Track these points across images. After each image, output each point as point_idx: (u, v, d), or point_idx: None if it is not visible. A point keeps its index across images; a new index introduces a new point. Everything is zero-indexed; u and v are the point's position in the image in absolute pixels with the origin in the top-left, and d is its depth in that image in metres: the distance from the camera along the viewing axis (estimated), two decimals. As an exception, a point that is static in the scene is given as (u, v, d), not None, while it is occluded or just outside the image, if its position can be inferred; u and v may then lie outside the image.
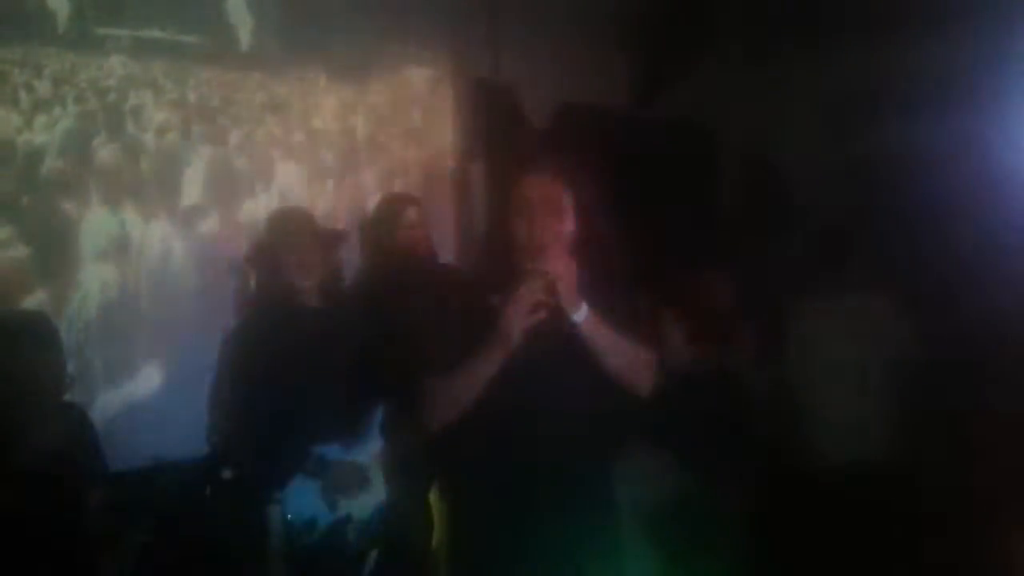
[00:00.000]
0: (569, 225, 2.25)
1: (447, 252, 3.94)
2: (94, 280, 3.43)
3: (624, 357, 2.24)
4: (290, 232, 3.05)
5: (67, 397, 2.54)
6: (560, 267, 2.15)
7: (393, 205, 3.56)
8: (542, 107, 4.31)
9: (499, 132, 4.28)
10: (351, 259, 3.49)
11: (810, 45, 4.05)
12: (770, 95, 4.20)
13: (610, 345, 2.21)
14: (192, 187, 3.70)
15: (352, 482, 2.89)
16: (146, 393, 3.44)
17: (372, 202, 3.65)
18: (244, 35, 3.93)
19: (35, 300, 3.27)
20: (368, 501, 2.89)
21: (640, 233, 2.54)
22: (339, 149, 4.13)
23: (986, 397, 3.08)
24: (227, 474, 2.69)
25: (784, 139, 4.22)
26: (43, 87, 3.49)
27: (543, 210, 2.21)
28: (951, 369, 3.09)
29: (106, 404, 3.28)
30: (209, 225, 3.71)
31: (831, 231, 3.43)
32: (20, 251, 3.30)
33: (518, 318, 2.15)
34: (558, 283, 2.14)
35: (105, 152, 3.55)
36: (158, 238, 3.60)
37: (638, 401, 2.30)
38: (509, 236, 2.23)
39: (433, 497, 3.08)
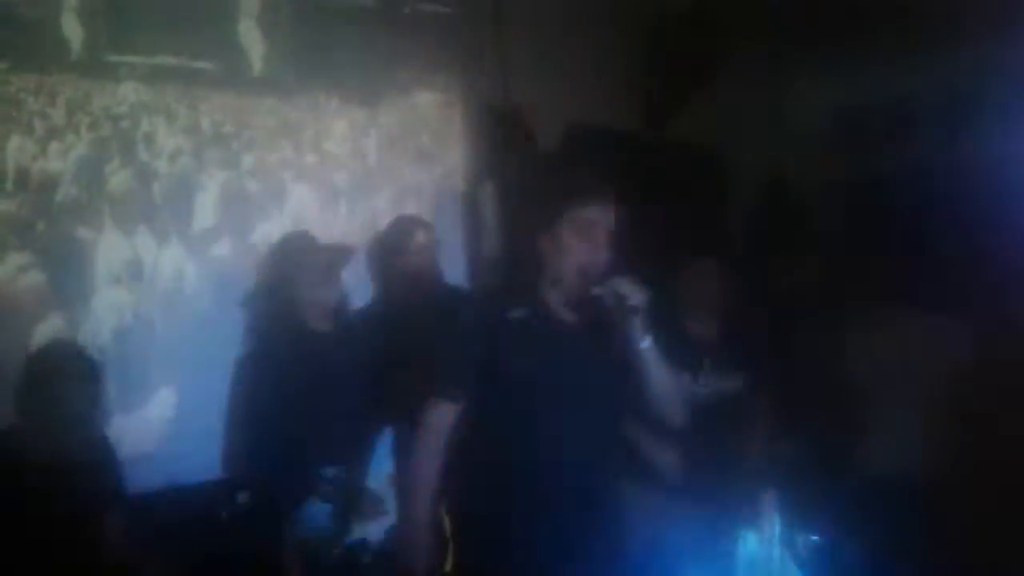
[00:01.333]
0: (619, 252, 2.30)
1: (457, 274, 3.96)
2: (108, 305, 3.46)
3: (671, 388, 2.33)
4: (298, 256, 3.08)
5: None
6: (637, 293, 2.21)
7: (403, 228, 3.57)
8: (551, 130, 4.34)
9: (509, 155, 4.30)
10: (361, 282, 3.52)
11: (820, 61, 4.08)
12: (781, 113, 4.22)
13: (663, 376, 2.29)
14: (205, 211, 3.73)
15: (364, 505, 2.90)
16: (160, 417, 3.46)
17: (384, 224, 3.67)
18: (256, 60, 3.97)
19: (50, 325, 3.30)
20: (381, 524, 2.90)
21: (652, 257, 2.57)
22: (351, 172, 4.15)
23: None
24: (242, 498, 2.70)
25: (798, 157, 4.24)
26: (57, 114, 3.53)
27: (607, 235, 2.28)
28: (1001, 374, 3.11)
29: (120, 429, 3.29)
30: (222, 249, 3.74)
31: (848, 246, 3.46)
32: (36, 277, 3.33)
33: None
34: (636, 308, 2.21)
35: (118, 178, 3.58)
36: (171, 262, 3.63)
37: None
38: (561, 257, 2.25)
39: (445, 519, 3.08)
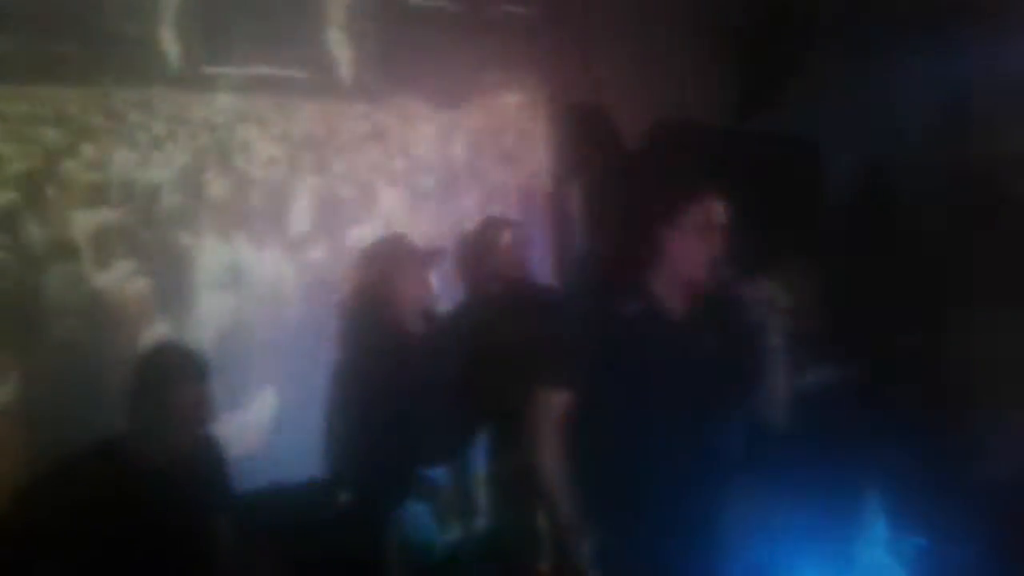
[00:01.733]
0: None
1: (545, 274, 3.98)
2: (211, 309, 3.58)
3: (786, 384, 2.33)
4: (391, 258, 3.14)
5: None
6: (783, 294, 2.30)
7: (491, 228, 3.61)
8: (637, 128, 4.32)
9: (594, 154, 4.30)
10: (450, 283, 3.57)
11: (915, 46, 3.98)
12: (878, 106, 4.13)
13: (786, 377, 2.31)
14: (299, 216, 3.83)
15: (462, 506, 2.94)
16: (262, 419, 3.57)
17: (472, 225, 3.71)
18: (345, 68, 4.06)
19: (156, 330, 3.43)
20: (478, 524, 2.94)
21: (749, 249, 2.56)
22: (438, 174, 4.21)
23: None
24: (344, 498, 2.77)
25: (893, 145, 4.14)
26: (158, 126, 3.66)
27: (724, 232, 2.31)
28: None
29: (224, 430, 3.41)
30: (317, 252, 3.83)
31: (948, 236, 3.37)
32: (142, 283, 3.47)
33: None
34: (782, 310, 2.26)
35: (217, 186, 3.70)
36: (269, 267, 3.73)
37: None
38: (679, 254, 2.27)
39: (541, 519, 3.11)
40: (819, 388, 3.08)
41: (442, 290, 3.42)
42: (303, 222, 3.83)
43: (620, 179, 3.96)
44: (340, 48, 4.06)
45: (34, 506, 2.45)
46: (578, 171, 4.32)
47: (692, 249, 2.30)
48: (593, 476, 2.27)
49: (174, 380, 2.49)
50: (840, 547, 2.84)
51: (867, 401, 3.06)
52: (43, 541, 2.37)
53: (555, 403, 2.30)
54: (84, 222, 3.40)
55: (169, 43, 3.70)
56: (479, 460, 3.10)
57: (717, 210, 2.33)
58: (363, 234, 3.77)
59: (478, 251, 3.59)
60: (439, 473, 2.96)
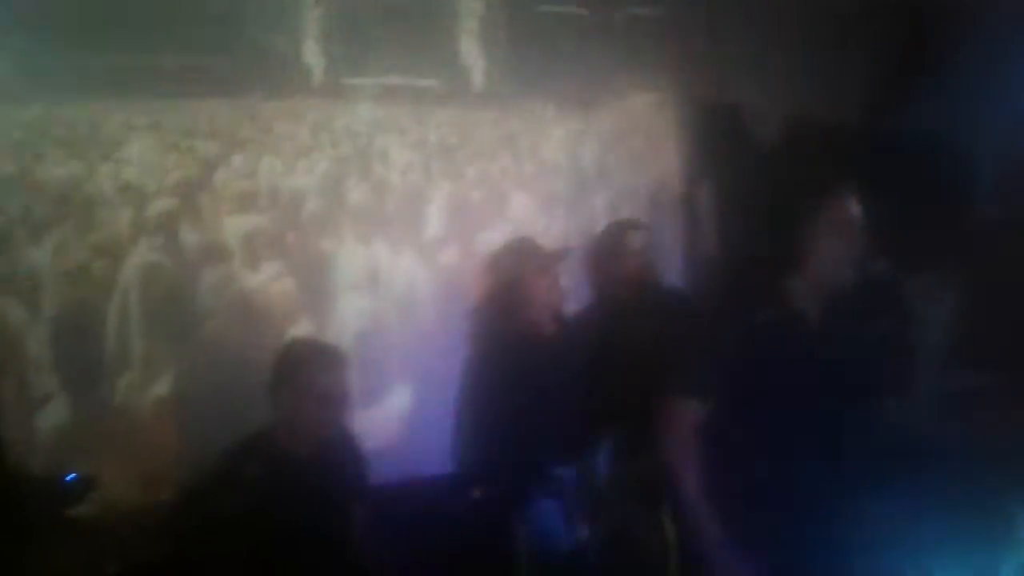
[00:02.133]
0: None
1: (674, 276, 3.97)
2: (350, 309, 3.74)
3: (930, 384, 2.34)
4: (521, 260, 3.20)
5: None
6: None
7: (619, 230, 3.63)
8: (767, 127, 4.25)
9: (725, 154, 4.26)
10: (579, 285, 3.61)
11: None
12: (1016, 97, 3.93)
13: (929, 371, 2.29)
14: (433, 221, 3.95)
15: (590, 505, 2.97)
16: (396, 414, 3.70)
17: (600, 228, 3.74)
18: (477, 75, 4.16)
19: (299, 328, 3.61)
20: (606, 524, 2.96)
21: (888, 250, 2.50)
22: (568, 178, 4.26)
23: None
24: (476, 493, 2.84)
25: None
26: (303, 135, 3.86)
27: (859, 231, 2.28)
28: None
29: (360, 425, 3.56)
30: (449, 256, 3.95)
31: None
32: (287, 284, 3.66)
33: None
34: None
35: (357, 192, 3.86)
36: (404, 269, 3.87)
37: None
38: (817, 254, 2.26)
39: (667, 523, 3.11)
40: (964, 392, 2.96)
41: (571, 292, 3.46)
42: (437, 226, 3.95)
43: (752, 180, 3.90)
44: (473, 57, 4.17)
45: (200, 496, 2.61)
46: (709, 172, 4.29)
47: (830, 248, 2.25)
48: (729, 484, 2.26)
49: (312, 369, 2.60)
50: (985, 556, 2.73)
51: (1013, 406, 2.92)
52: (208, 529, 2.52)
53: (689, 412, 2.29)
54: (235, 227, 3.62)
55: (313, 56, 3.89)
56: (607, 460, 3.12)
57: (853, 207, 2.28)
58: (493, 238, 3.86)
59: (606, 253, 3.61)
60: (568, 471, 3.00)
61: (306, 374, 2.59)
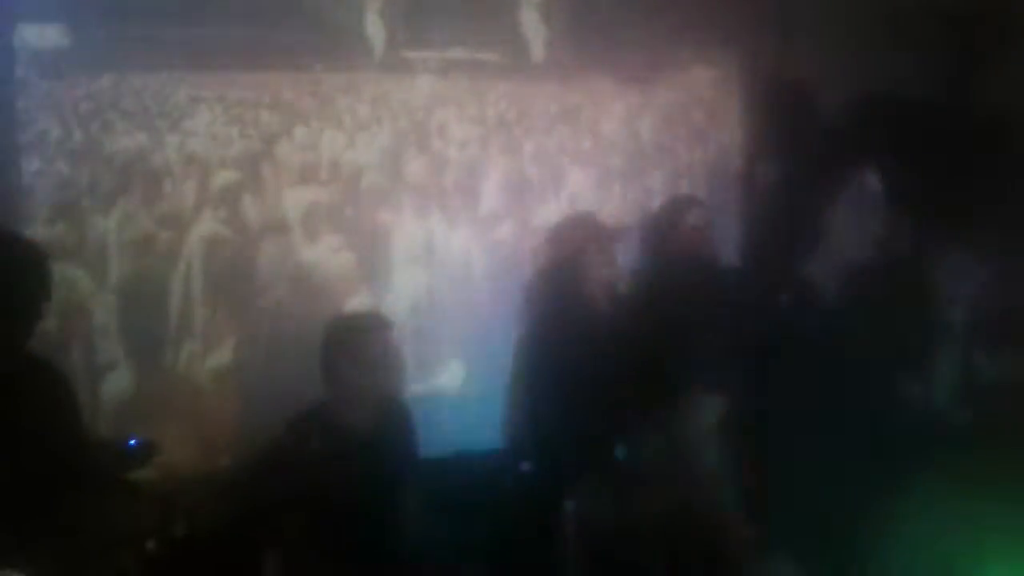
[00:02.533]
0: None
1: (731, 254, 3.92)
2: (406, 283, 3.78)
3: (961, 365, 2.26)
4: (578, 236, 3.20)
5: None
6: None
7: (677, 206, 3.60)
8: (834, 103, 4.15)
9: (788, 131, 4.18)
10: (636, 261, 3.59)
11: None
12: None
13: (960, 351, 2.24)
14: (490, 196, 3.96)
15: (641, 484, 2.97)
16: (450, 388, 3.74)
17: (657, 205, 3.71)
18: (537, 48, 4.13)
19: (358, 301, 3.66)
20: (657, 503, 2.95)
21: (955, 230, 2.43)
22: (626, 153, 4.22)
23: None
24: (525, 467, 2.87)
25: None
26: (363, 109, 3.88)
27: (883, 207, 2.23)
28: None
29: (414, 398, 3.61)
30: (505, 231, 3.96)
31: None
32: (346, 257, 3.71)
33: None
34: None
35: (415, 166, 3.88)
36: (460, 244, 3.89)
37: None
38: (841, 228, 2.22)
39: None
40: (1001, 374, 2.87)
41: (629, 268, 3.46)
42: (493, 201, 3.95)
43: (811, 158, 3.83)
44: (533, 29, 4.13)
45: (261, 468, 2.69)
46: (770, 149, 4.21)
47: (851, 226, 2.18)
48: (751, 472, 2.24)
49: (365, 340, 2.65)
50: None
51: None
52: (267, 499, 2.60)
53: (706, 407, 2.26)
54: (296, 199, 3.67)
55: (374, 29, 3.90)
56: (657, 439, 3.11)
57: (874, 183, 2.20)
58: (550, 213, 3.86)
59: (663, 230, 3.59)
60: (619, 448, 3.00)
61: (359, 345, 2.64)
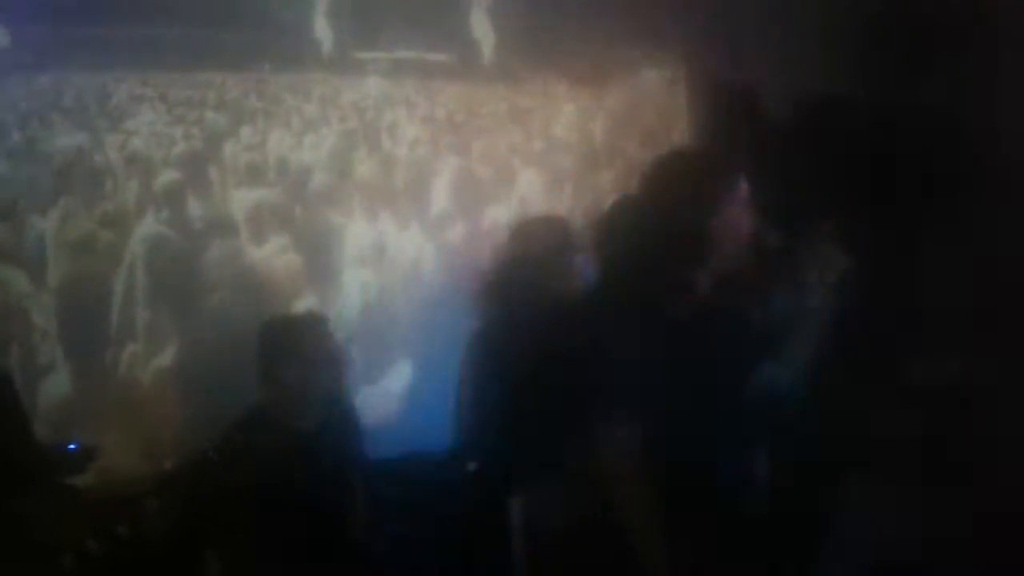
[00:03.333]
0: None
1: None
2: (355, 284, 3.74)
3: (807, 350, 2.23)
4: (536, 236, 3.18)
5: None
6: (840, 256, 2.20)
7: (626, 208, 3.60)
8: (783, 104, 4.18)
9: (737, 131, 4.20)
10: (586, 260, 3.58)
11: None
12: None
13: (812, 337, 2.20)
14: (440, 196, 3.94)
15: (592, 486, 2.95)
16: (399, 390, 3.70)
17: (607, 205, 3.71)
18: (487, 50, 4.12)
19: (305, 302, 3.61)
20: (607, 506, 2.93)
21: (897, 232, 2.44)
22: (577, 154, 4.23)
23: None
24: (471, 467, 2.83)
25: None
26: (311, 109, 3.85)
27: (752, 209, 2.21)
28: None
29: (364, 400, 3.56)
30: (456, 232, 3.93)
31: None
32: (293, 258, 3.66)
33: None
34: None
35: (364, 167, 3.85)
36: (411, 245, 3.86)
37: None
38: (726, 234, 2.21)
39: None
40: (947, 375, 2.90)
41: (582, 270, 3.45)
42: (443, 202, 3.93)
43: (761, 162, 3.85)
44: (483, 30, 4.13)
45: (201, 468, 2.63)
46: (719, 148, 4.23)
47: (733, 231, 2.17)
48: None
49: (308, 340, 2.61)
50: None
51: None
52: (209, 501, 2.54)
53: (623, 439, 2.23)
54: (242, 200, 3.62)
55: (322, 29, 3.87)
56: (607, 443, 3.09)
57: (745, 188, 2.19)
58: (500, 214, 3.85)
59: (612, 232, 3.59)
60: (568, 451, 2.98)
61: (301, 345, 2.60)
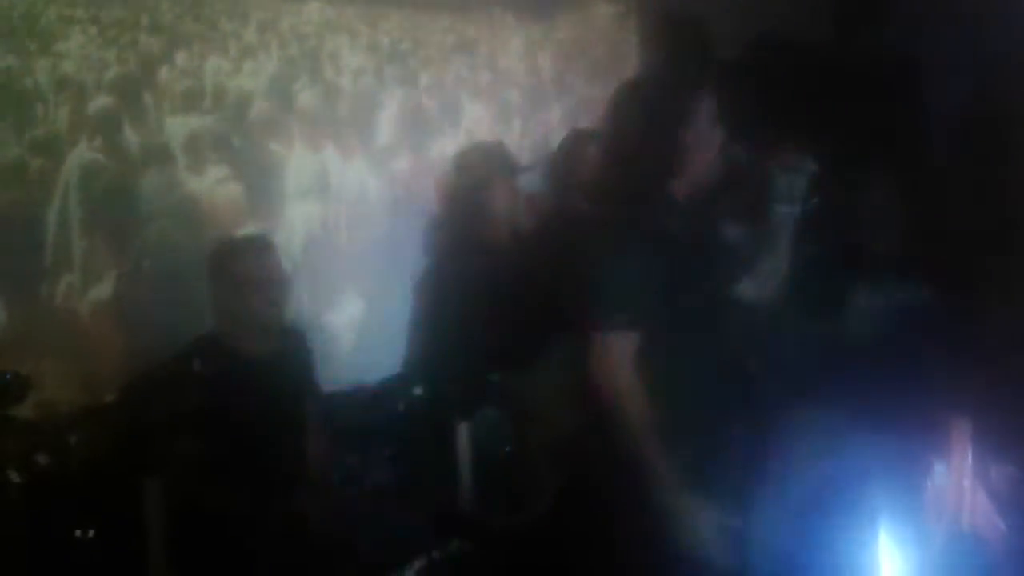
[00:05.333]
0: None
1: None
2: (299, 216, 3.66)
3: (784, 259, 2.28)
4: (483, 167, 3.13)
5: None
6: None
7: (578, 140, 3.57)
8: (732, 40, 4.16)
9: (687, 67, 4.17)
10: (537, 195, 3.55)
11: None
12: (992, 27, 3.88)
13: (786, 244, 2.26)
14: (385, 128, 3.85)
15: (538, 414, 2.95)
16: (347, 323, 3.65)
17: (558, 139, 3.67)
18: (434, -24, 4.03)
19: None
20: (552, 432, 2.95)
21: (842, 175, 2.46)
22: (525, 88, 4.17)
23: None
24: (418, 391, 2.82)
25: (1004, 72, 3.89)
26: (249, 35, 3.71)
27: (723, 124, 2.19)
28: None
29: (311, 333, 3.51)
30: (401, 164, 3.86)
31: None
32: (233, 188, 3.56)
33: None
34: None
35: (306, 95, 3.75)
36: (355, 177, 3.78)
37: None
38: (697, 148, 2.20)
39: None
40: (891, 303, 2.96)
41: (531, 201, 3.42)
42: (388, 134, 3.86)
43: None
44: (429, -44, 4.03)
45: (145, 395, 2.56)
46: (668, 85, 4.20)
47: (705, 144, 2.17)
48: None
49: (243, 258, 2.54)
50: (922, 475, 2.76)
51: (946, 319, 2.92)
52: (153, 428, 2.48)
53: (619, 335, 2.22)
54: (178, 128, 3.50)
55: (263, -50, 3.73)
56: (554, 371, 3.10)
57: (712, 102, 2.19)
58: (447, 147, 3.78)
59: (564, 164, 3.56)
60: (514, 381, 2.98)
61: (238, 263, 2.54)
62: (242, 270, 2.53)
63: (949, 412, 2.76)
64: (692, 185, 2.20)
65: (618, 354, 2.18)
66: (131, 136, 3.40)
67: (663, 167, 2.17)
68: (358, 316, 3.65)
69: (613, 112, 2.34)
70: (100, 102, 3.37)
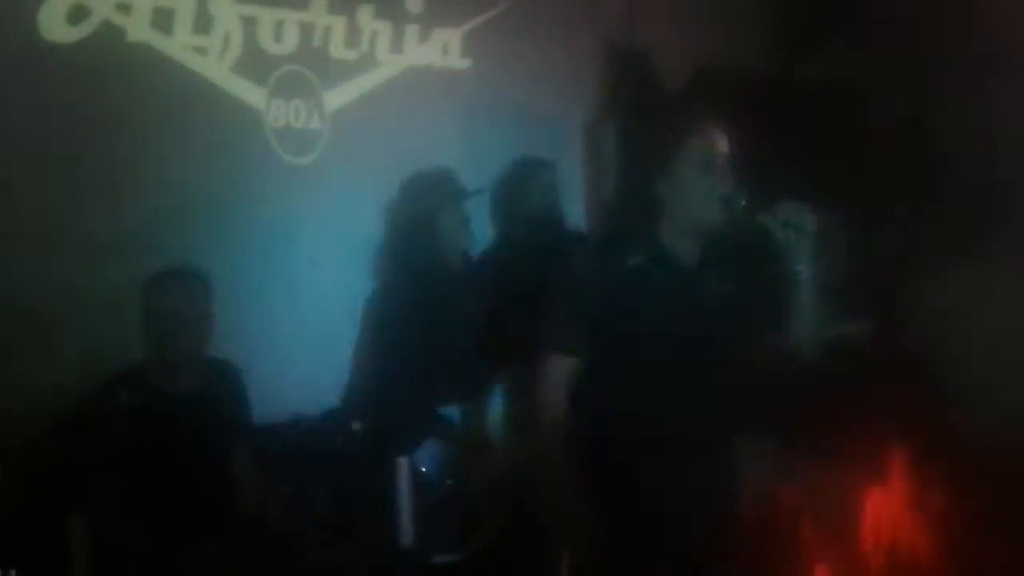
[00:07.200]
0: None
1: (578, 215, 3.92)
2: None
3: (818, 324, 2.22)
4: (432, 193, 3.11)
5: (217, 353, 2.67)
6: (810, 216, 2.13)
7: (527, 168, 3.57)
8: (678, 70, 4.20)
9: (632, 95, 4.19)
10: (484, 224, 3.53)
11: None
12: (924, 49, 3.99)
13: (817, 309, 2.20)
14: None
15: (480, 447, 2.92)
16: (285, 353, 3.53)
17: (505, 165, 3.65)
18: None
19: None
20: (496, 466, 2.91)
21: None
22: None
23: None
24: (356, 426, 2.77)
25: (940, 96, 4.00)
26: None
27: (729, 167, 2.17)
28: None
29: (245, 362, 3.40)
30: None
31: (987, 192, 3.25)
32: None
33: None
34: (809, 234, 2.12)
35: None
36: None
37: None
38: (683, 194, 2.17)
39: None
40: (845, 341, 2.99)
41: (478, 229, 3.39)
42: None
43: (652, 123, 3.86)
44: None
45: (72, 426, 2.50)
46: (614, 113, 4.22)
47: (696, 188, 2.17)
48: (603, 438, 2.20)
49: (163, 292, 2.51)
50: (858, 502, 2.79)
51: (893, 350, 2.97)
52: (76, 464, 2.41)
53: (557, 367, 2.19)
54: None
55: None
56: (498, 403, 3.07)
57: (717, 142, 2.16)
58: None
59: (511, 191, 3.56)
60: (458, 413, 2.95)
61: (159, 298, 2.48)
62: (166, 305, 2.47)
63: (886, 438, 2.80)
64: (683, 231, 2.19)
65: (559, 384, 2.17)
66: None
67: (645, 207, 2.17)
68: (300, 345, 3.55)
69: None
70: None
